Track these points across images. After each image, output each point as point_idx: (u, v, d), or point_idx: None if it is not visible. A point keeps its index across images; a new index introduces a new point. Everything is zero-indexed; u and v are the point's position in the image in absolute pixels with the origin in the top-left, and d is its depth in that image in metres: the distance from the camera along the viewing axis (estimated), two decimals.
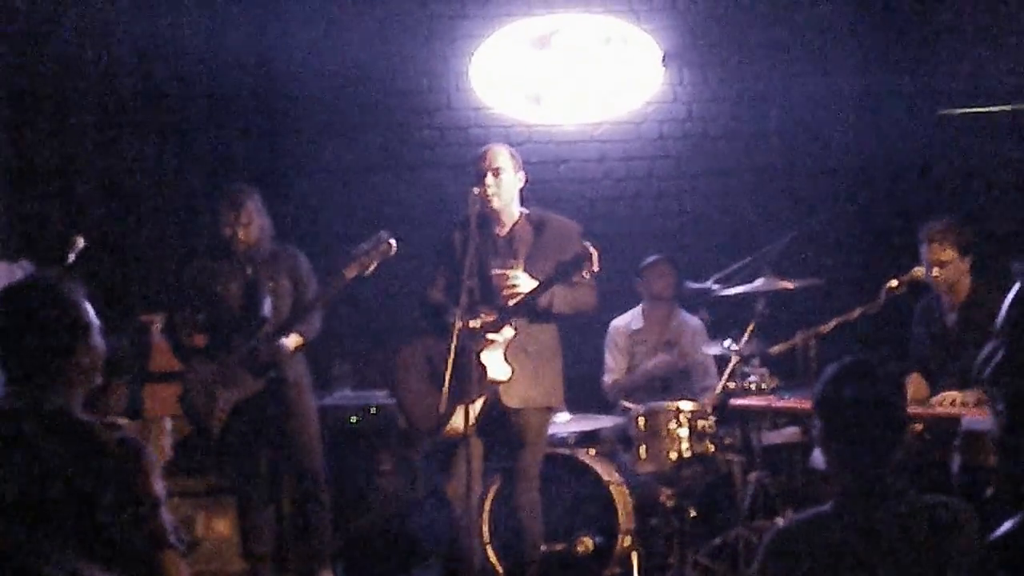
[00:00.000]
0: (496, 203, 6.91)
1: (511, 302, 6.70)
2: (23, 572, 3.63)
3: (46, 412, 3.77)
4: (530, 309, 6.78)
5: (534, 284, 6.70)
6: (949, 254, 7.07)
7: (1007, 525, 2.14)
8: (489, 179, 6.87)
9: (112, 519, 3.69)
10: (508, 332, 6.74)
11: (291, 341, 7.60)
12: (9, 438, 3.72)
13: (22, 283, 4.08)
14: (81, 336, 3.88)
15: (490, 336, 6.69)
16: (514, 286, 6.69)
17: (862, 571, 3.58)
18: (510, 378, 6.78)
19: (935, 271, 7.09)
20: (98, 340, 3.93)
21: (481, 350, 6.68)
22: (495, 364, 6.74)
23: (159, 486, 3.80)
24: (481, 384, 6.69)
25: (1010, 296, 2.18)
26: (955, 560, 3.53)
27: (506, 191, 6.94)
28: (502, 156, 6.96)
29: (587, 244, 6.53)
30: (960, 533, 3.56)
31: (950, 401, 6.77)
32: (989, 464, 5.80)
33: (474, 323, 6.62)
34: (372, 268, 7.28)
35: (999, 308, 6.94)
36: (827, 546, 3.62)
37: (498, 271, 6.79)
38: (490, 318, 6.70)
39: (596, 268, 6.54)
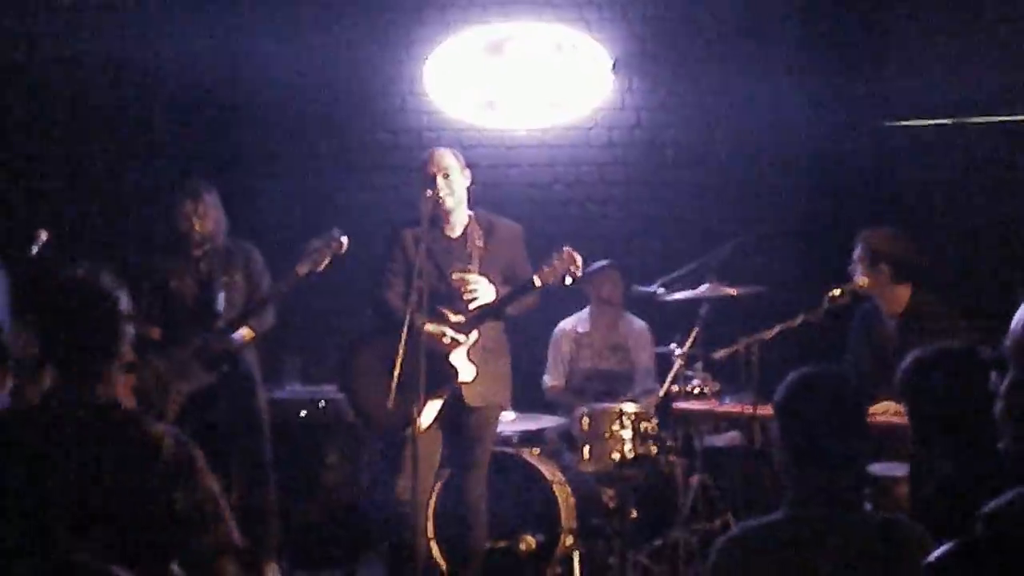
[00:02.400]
0: (450, 203, 7.01)
1: (471, 306, 6.84)
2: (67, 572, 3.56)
3: (98, 405, 3.79)
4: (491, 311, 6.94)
5: (492, 290, 6.86)
6: (860, 256, 7.24)
7: (941, 550, 2.20)
8: (440, 182, 6.97)
9: (177, 522, 3.72)
10: (474, 335, 6.89)
11: (243, 335, 7.71)
12: (65, 431, 3.73)
13: (68, 277, 4.09)
14: (123, 328, 3.92)
15: (459, 339, 6.84)
16: (474, 290, 6.84)
17: None
18: (474, 379, 6.94)
19: (856, 269, 7.25)
20: (130, 331, 3.97)
21: (449, 352, 6.82)
22: (462, 365, 6.89)
23: (214, 481, 3.84)
24: (450, 385, 6.84)
25: (1020, 317, 2.21)
26: None
27: (458, 191, 7.06)
28: (448, 158, 7.07)
29: (570, 249, 6.71)
30: (912, 552, 3.48)
31: (882, 411, 6.90)
32: (901, 510, 5.87)
33: (442, 326, 6.77)
34: (324, 265, 7.39)
35: (941, 321, 7.02)
36: (777, 554, 3.59)
37: (457, 275, 6.92)
38: (458, 321, 6.85)
39: (580, 273, 6.73)
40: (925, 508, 4.24)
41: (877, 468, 6.14)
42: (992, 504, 2.35)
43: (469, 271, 6.93)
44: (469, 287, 6.86)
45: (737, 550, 3.67)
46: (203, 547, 3.77)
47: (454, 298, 6.92)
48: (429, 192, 6.90)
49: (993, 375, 3.71)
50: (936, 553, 2.20)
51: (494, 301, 6.90)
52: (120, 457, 3.72)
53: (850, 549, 3.55)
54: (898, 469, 6.06)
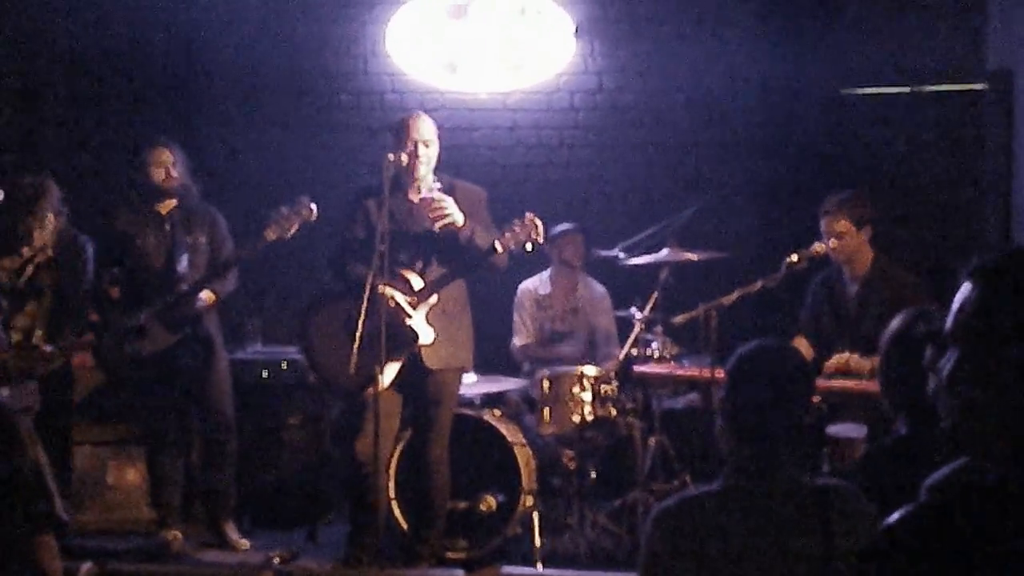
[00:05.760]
0: (424, 171, 7.05)
1: (438, 224, 6.91)
2: None
3: None
4: (451, 252, 7.01)
5: (460, 213, 6.92)
6: (844, 225, 7.19)
7: (895, 516, 2.24)
8: (421, 150, 7.02)
9: None
10: (433, 299, 6.94)
11: (206, 298, 7.74)
12: None
13: None
14: None
15: (407, 309, 6.88)
16: (442, 208, 6.90)
17: (747, 551, 3.52)
18: (434, 341, 6.98)
19: (832, 242, 7.20)
20: None
21: (408, 315, 6.87)
22: (421, 328, 6.94)
23: (38, 452, 3.69)
24: (409, 348, 6.88)
25: (961, 299, 2.25)
26: (843, 545, 3.50)
27: (433, 160, 7.11)
28: (430, 128, 7.13)
29: (532, 215, 6.77)
30: (849, 518, 3.53)
31: (845, 360, 6.99)
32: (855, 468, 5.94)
33: (395, 291, 6.81)
34: (292, 231, 7.42)
35: (899, 283, 7.09)
36: (713, 525, 3.55)
37: (426, 196, 6.99)
38: (418, 285, 6.90)
39: (541, 239, 6.80)
40: (875, 466, 4.27)
41: (835, 429, 6.21)
42: (937, 475, 2.40)
43: (440, 204, 6.96)
44: (436, 205, 6.91)
45: (673, 520, 3.60)
46: (17, 521, 3.61)
47: (414, 262, 6.98)
48: (392, 156, 6.93)
49: (928, 350, 3.74)
50: (893, 517, 2.23)
51: (452, 268, 6.99)
52: None
53: (786, 518, 3.56)
54: (855, 431, 6.13)
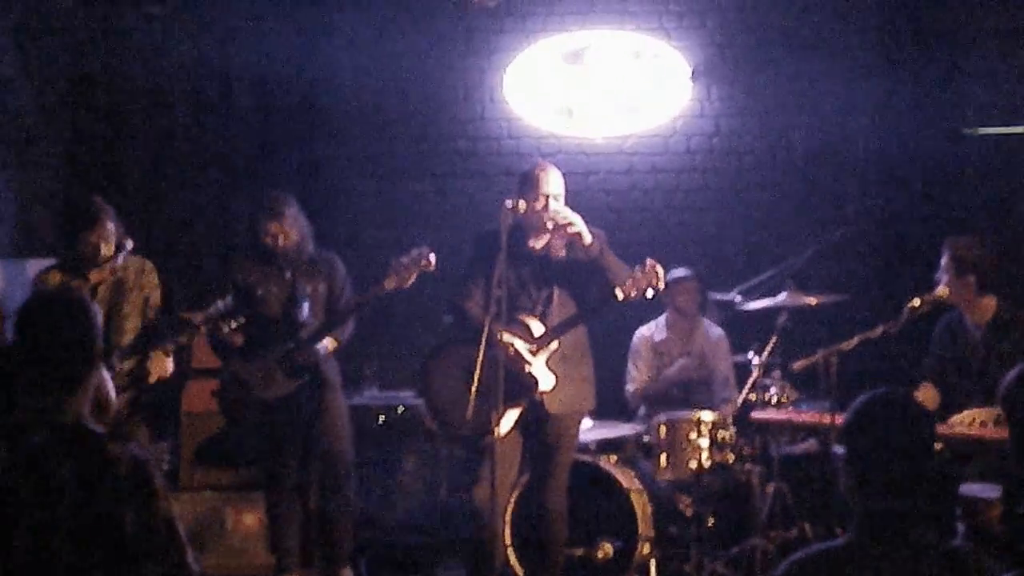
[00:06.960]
0: (550, 223, 7.02)
1: (565, 231, 6.86)
2: None
3: (62, 425, 3.73)
4: (575, 290, 7.00)
5: (588, 232, 6.87)
6: (947, 268, 7.14)
7: None
8: (552, 204, 6.99)
9: (127, 545, 3.66)
10: (554, 345, 6.91)
11: (327, 345, 7.78)
12: (26, 453, 3.68)
13: (45, 294, 4.03)
14: (97, 346, 3.87)
15: (527, 357, 6.86)
16: (567, 220, 6.85)
17: None
18: (554, 386, 6.95)
19: (943, 286, 7.15)
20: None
21: (528, 362, 6.85)
22: (541, 374, 6.90)
23: (171, 505, 3.78)
24: (529, 394, 6.86)
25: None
26: None
27: None
28: (559, 181, 7.06)
29: (653, 262, 6.73)
30: None
31: (970, 420, 6.86)
32: (994, 531, 5.73)
33: (515, 338, 6.80)
34: (410, 281, 7.42)
35: None
36: None
37: (552, 209, 6.93)
38: (539, 331, 6.88)
39: (663, 286, 6.78)
40: (1019, 528, 4.17)
41: (969, 489, 6.05)
42: None
43: (565, 216, 6.92)
44: (561, 217, 6.88)
45: (802, 575, 3.55)
46: (151, 573, 3.71)
47: (535, 307, 6.96)
48: (510, 203, 6.88)
49: None
50: None
51: (575, 312, 6.96)
52: (74, 478, 3.65)
53: None
54: (990, 490, 5.96)
